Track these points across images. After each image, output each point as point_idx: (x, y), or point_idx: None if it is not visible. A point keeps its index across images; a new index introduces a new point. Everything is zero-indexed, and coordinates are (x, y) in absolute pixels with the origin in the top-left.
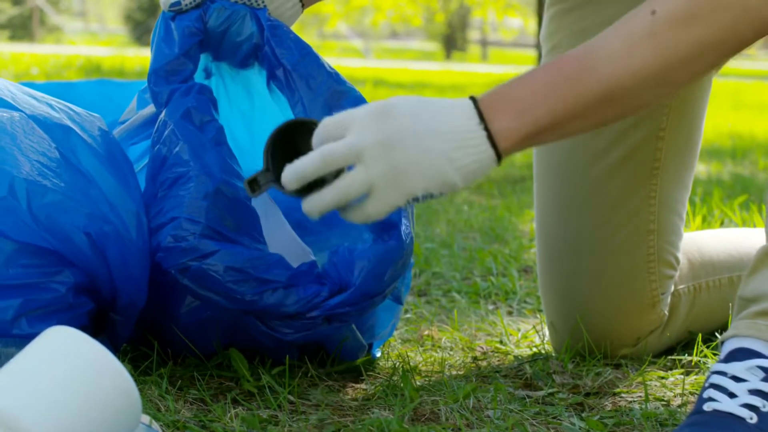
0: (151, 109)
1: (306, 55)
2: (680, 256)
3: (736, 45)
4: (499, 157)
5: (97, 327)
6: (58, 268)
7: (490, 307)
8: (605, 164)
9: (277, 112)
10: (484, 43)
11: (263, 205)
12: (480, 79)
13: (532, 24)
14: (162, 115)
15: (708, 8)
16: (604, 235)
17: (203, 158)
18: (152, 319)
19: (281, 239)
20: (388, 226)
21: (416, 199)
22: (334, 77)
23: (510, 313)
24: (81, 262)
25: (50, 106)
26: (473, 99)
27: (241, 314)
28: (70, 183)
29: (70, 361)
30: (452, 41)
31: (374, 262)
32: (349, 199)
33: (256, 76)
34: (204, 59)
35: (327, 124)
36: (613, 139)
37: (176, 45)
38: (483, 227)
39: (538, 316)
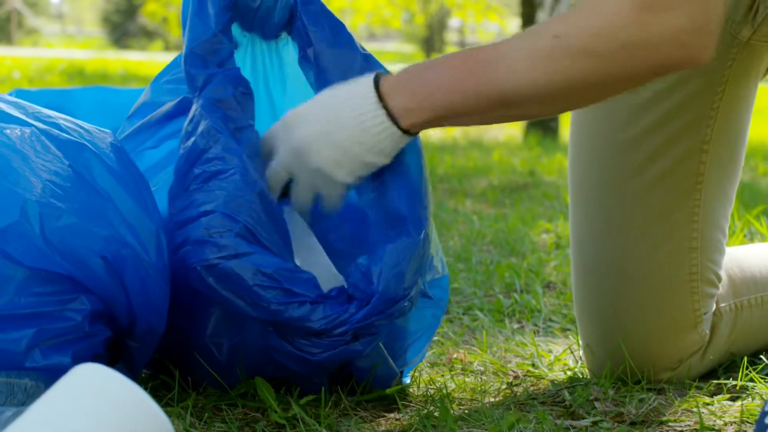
0: (167, 106)
1: (338, 34)
2: (722, 273)
3: (634, 83)
4: (407, 132)
5: (114, 355)
6: (73, 295)
7: (515, 326)
8: (645, 179)
9: (308, 88)
10: (463, 45)
11: (299, 229)
12: None
13: (510, 26)
14: (197, 105)
15: (609, 47)
16: (643, 253)
17: (245, 160)
18: (171, 345)
19: (315, 264)
20: (396, 222)
21: (361, 177)
22: (366, 59)
23: (536, 332)
24: (97, 287)
25: (59, 123)
26: (377, 77)
27: (266, 334)
28: (85, 204)
29: (104, 404)
30: (431, 43)
31: (390, 264)
32: (303, 201)
33: (287, 48)
34: (233, 30)
35: (262, 142)
36: (653, 152)
37: (212, 20)
38: (497, 239)
39: (571, 336)
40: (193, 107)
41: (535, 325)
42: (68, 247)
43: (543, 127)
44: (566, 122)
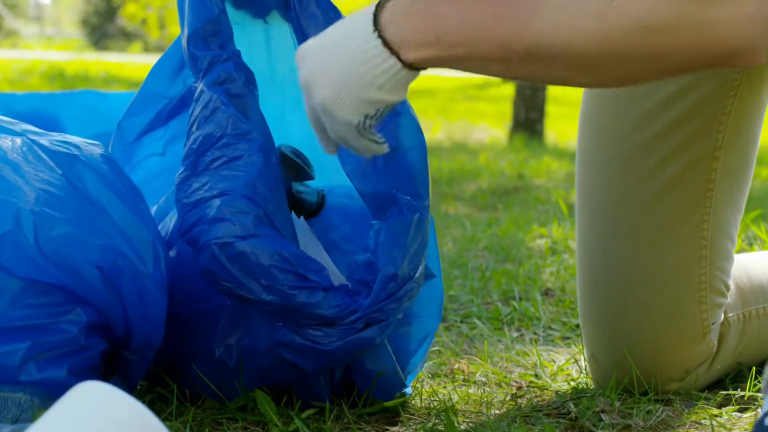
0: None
1: (332, 19)
2: (730, 282)
3: (688, 65)
4: (411, 66)
5: (110, 368)
6: (69, 306)
7: (515, 334)
8: (655, 185)
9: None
10: None
11: (301, 230)
12: (434, 83)
13: None
14: (206, 89)
15: (669, 19)
16: (652, 261)
17: (263, 146)
18: (168, 358)
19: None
20: (390, 203)
21: (369, 117)
22: None
23: (535, 341)
24: (93, 299)
25: (48, 136)
26: (381, 3)
27: (274, 331)
28: (80, 213)
29: (109, 423)
30: None
31: (387, 243)
32: (324, 144)
33: (278, 27)
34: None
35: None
36: (664, 158)
37: (213, 1)
38: (491, 245)
39: (573, 345)
40: (200, 89)
41: (535, 333)
42: (63, 257)
43: (529, 129)
44: (552, 124)
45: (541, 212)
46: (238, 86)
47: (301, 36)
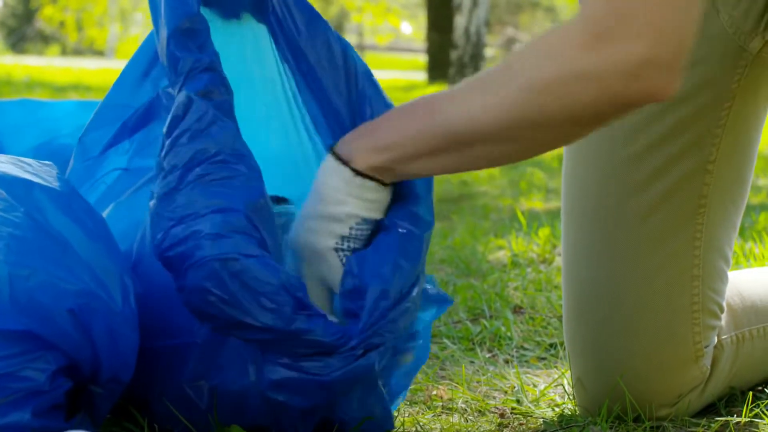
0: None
1: (313, 24)
2: (724, 303)
3: (596, 119)
4: (363, 174)
5: (74, 403)
6: (37, 353)
7: (487, 354)
8: (645, 200)
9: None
10: (361, 49)
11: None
12: None
13: (407, 27)
14: (192, 96)
15: (561, 77)
16: (641, 281)
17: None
18: (137, 392)
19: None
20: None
21: (346, 239)
22: (345, 51)
23: (509, 362)
24: (62, 342)
25: None
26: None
27: (254, 371)
28: (48, 255)
29: None
30: None
31: (373, 261)
32: (317, 299)
33: (252, 29)
34: None
35: None
36: (655, 171)
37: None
38: (449, 257)
39: (552, 368)
40: (186, 97)
41: (509, 354)
42: (36, 304)
43: None
44: None
45: (495, 222)
46: (227, 103)
47: (279, 38)
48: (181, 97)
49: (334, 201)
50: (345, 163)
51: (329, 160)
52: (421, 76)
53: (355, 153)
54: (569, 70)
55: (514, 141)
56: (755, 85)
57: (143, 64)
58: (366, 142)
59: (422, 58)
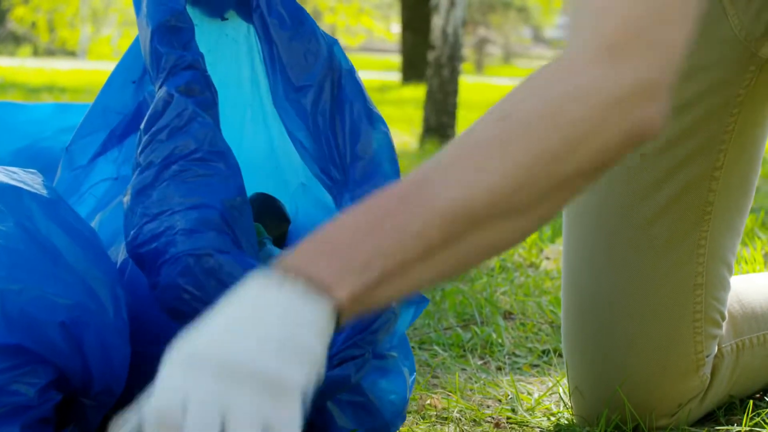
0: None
1: (300, 23)
2: (725, 311)
3: (603, 160)
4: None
5: (64, 416)
6: (27, 368)
7: (479, 362)
8: (649, 207)
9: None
10: None
11: None
12: None
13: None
14: (173, 92)
15: (579, 107)
16: (644, 289)
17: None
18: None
19: None
20: None
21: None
22: (331, 50)
23: (500, 369)
24: (53, 356)
25: None
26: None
27: None
28: (39, 268)
29: None
30: None
31: None
32: None
33: (237, 27)
34: None
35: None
36: (660, 177)
37: None
38: None
39: (545, 376)
40: (167, 93)
41: (500, 361)
42: (27, 318)
43: (440, 134)
44: (463, 129)
45: None
46: (208, 101)
47: (266, 37)
48: (161, 93)
49: (300, 347)
50: (321, 290)
51: (282, 282)
52: (395, 76)
53: (334, 277)
54: (543, 120)
55: (529, 208)
56: (764, 91)
57: (131, 69)
58: (339, 262)
59: (395, 59)
